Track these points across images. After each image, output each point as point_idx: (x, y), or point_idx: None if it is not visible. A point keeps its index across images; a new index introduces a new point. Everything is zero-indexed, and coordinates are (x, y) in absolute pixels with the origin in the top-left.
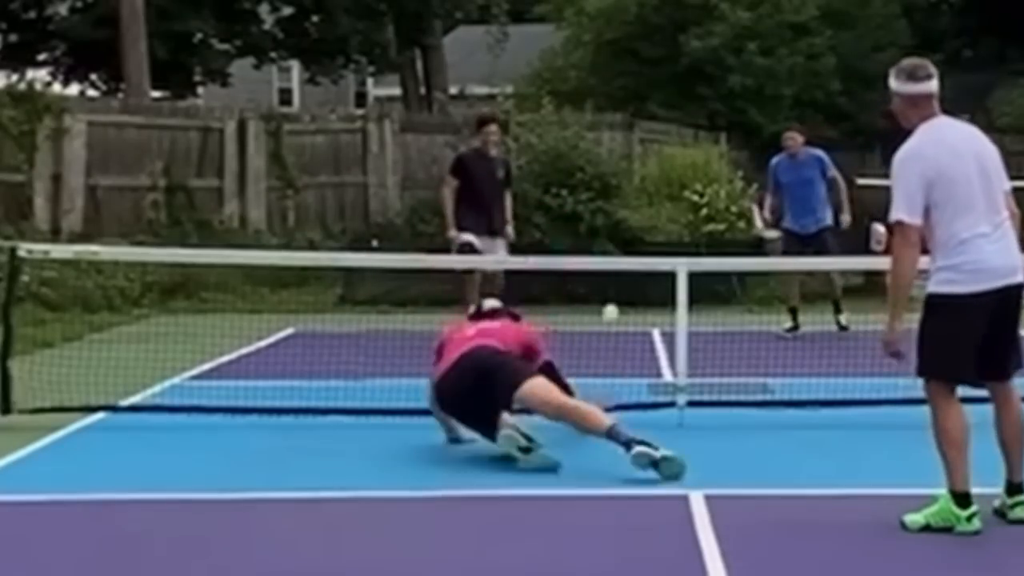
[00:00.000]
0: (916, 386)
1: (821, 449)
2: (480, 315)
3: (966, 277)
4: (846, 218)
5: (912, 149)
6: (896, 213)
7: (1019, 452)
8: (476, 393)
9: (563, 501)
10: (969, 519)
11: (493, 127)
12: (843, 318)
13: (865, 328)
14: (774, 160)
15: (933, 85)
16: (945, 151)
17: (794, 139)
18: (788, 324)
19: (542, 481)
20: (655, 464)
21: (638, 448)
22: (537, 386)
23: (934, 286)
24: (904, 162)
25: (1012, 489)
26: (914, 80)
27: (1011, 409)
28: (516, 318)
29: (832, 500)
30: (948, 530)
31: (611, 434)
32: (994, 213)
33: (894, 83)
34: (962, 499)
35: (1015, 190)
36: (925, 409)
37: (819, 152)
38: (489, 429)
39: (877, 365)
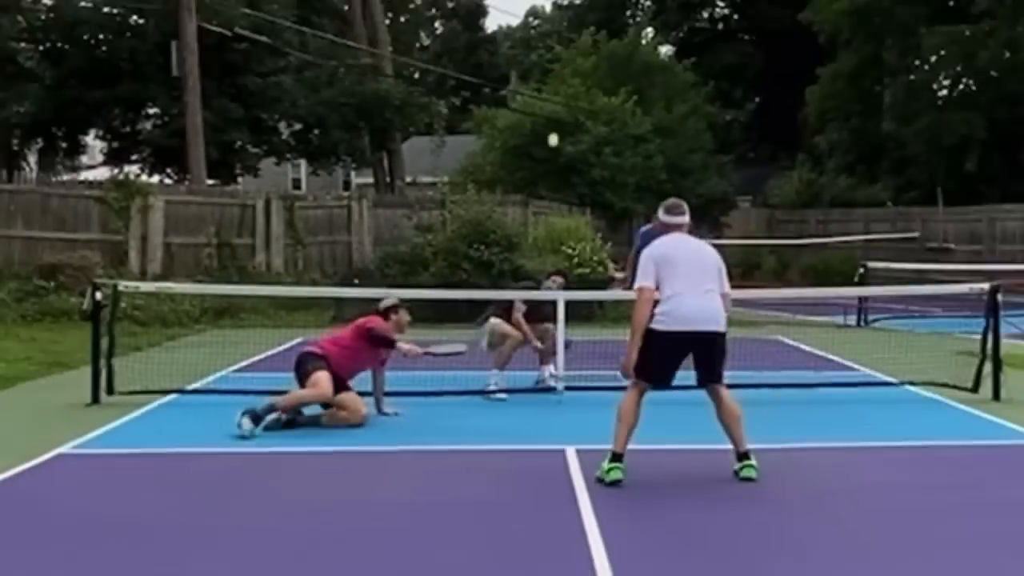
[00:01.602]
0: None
1: (655, 419)
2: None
3: (667, 319)
4: None
5: (653, 246)
6: (636, 284)
7: (738, 431)
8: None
9: (467, 453)
10: (611, 472)
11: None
12: None
13: None
14: (642, 229)
15: (682, 219)
16: (674, 247)
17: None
18: None
19: (458, 439)
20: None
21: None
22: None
23: (651, 324)
24: (646, 254)
25: (740, 457)
26: (669, 214)
27: (723, 402)
28: (387, 316)
29: (659, 453)
30: (600, 480)
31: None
32: (700, 286)
33: (660, 212)
34: (615, 458)
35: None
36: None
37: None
38: None
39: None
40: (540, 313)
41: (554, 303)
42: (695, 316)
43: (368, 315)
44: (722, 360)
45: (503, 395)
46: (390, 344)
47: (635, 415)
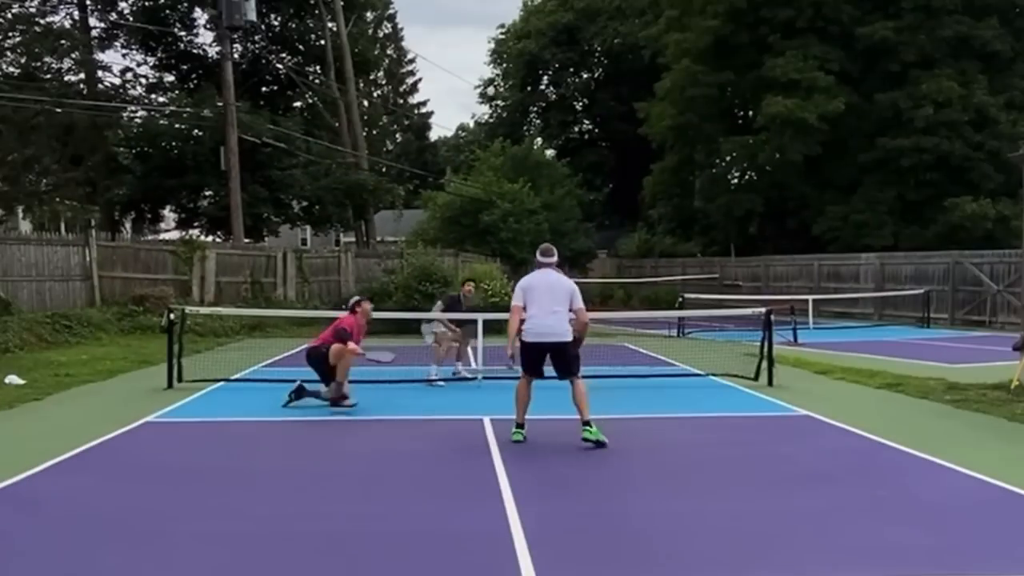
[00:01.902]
0: (587, 371)
1: (545, 399)
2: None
3: (527, 334)
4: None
5: (524, 279)
6: (513, 302)
7: (584, 407)
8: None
9: (413, 422)
10: (515, 435)
11: (469, 286)
12: None
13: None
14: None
15: (550, 260)
16: (539, 280)
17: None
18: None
19: (407, 412)
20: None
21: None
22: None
23: (522, 337)
24: (519, 285)
25: (584, 424)
26: (542, 256)
27: (577, 388)
28: (353, 311)
29: (549, 421)
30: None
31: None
32: (549, 308)
33: (538, 255)
34: (519, 426)
35: (628, 283)
36: (591, 381)
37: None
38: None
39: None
40: (460, 320)
41: (474, 320)
42: (545, 330)
43: (337, 324)
44: (574, 360)
45: (441, 383)
46: (344, 341)
47: (527, 395)
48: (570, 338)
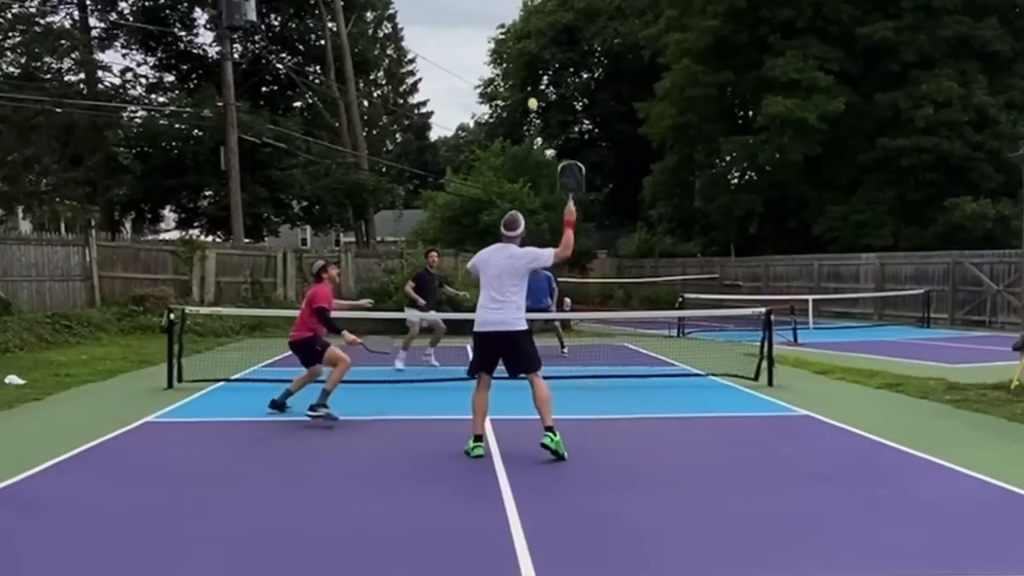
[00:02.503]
0: (577, 371)
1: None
2: (315, 276)
3: (480, 323)
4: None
5: (478, 254)
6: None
7: (546, 411)
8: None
9: (415, 422)
10: (475, 448)
11: (433, 255)
12: (565, 350)
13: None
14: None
15: (513, 232)
16: (489, 255)
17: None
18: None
19: (410, 411)
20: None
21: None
22: (329, 359)
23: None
24: (473, 259)
25: (546, 429)
26: (506, 228)
27: (537, 389)
28: (319, 278)
29: (555, 422)
30: (467, 453)
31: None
32: (502, 292)
33: (501, 226)
34: (477, 439)
35: (628, 284)
36: (583, 380)
37: (549, 274)
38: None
39: (565, 362)
40: (429, 299)
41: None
42: (490, 319)
43: (313, 291)
44: (526, 355)
45: (401, 365)
46: (336, 330)
47: (484, 401)
48: (522, 328)
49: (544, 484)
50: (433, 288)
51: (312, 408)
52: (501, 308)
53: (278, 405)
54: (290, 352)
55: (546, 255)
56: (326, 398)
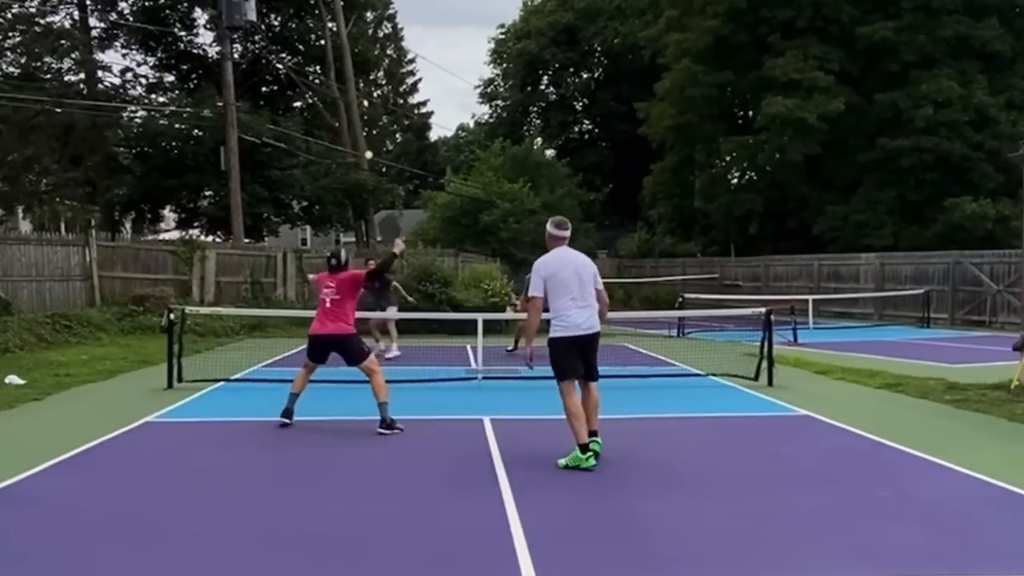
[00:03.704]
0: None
1: (547, 399)
2: (331, 266)
3: (566, 328)
4: None
5: (542, 260)
6: (531, 292)
7: (594, 417)
8: (333, 352)
9: (417, 421)
10: (588, 459)
11: (371, 262)
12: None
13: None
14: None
15: (566, 233)
16: (559, 263)
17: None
18: (511, 346)
19: (408, 411)
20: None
21: (380, 429)
22: (368, 363)
23: (551, 333)
24: (536, 268)
25: (591, 434)
26: (557, 228)
27: (595, 392)
28: (345, 267)
29: (551, 422)
30: (578, 467)
31: (381, 408)
32: (583, 296)
33: (549, 226)
34: (583, 448)
35: (628, 283)
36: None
37: None
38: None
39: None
40: (383, 294)
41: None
42: (585, 322)
43: (342, 276)
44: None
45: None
46: (389, 263)
47: (580, 408)
48: (599, 331)
49: (544, 484)
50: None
51: (386, 426)
52: (587, 309)
53: (288, 414)
54: (289, 352)
55: (600, 282)
56: (387, 409)
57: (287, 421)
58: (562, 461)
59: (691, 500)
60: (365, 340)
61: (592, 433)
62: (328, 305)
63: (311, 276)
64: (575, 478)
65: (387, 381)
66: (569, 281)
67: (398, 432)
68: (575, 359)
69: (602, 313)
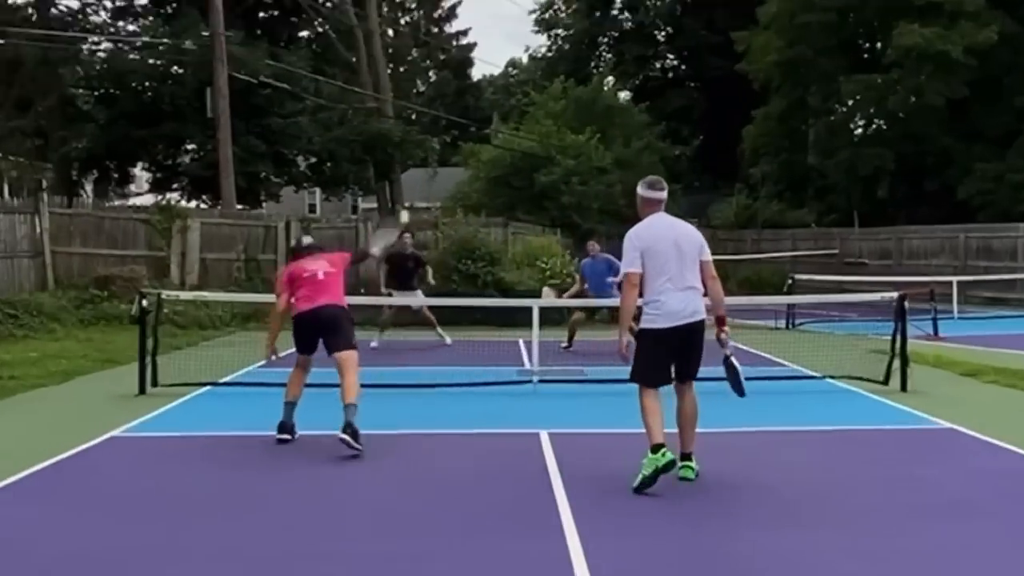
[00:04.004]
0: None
1: (614, 406)
2: (304, 249)
3: (658, 317)
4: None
5: (636, 229)
6: (624, 268)
7: (690, 432)
8: (321, 335)
9: (462, 436)
10: (663, 456)
11: (406, 236)
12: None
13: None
14: (583, 261)
15: (661, 195)
16: (657, 234)
17: (593, 247)
18: (565, 343)
19: (445, 423)
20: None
21: (344, 435)
22: (350, 356)
23: (641, 323)
24: (629, 238)
25: (684, 457)
26: (651, 189)
27: (691, 400)
28: (322, 250)
29: (621, 436)
30: (657, 475)
31: (347, 409)
32: (683, 275)
33: (639, 188)
34: (656, 448)
35: (722, 262)
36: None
37: (609, 256)
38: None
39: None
40: (401, 279)
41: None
42: (682, 310)
43: (323, 254)
44: (700, 357)
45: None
46: (361, 259)
47: (658, 409)
48: (705, 317)
49: (617, 515)
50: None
51: (349, 433)
52: (688, 292)
53: (288, 429)
54: (294, 349)
55: (709, 255)
56: (356, 413)
57: (287, 437)
58: (637, 481)
59: (803, 535)
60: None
61: (686, 456)
62: (321, 277)
63: (279, 292)
64: (656, 507)
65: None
66: (667, 256)
67: (357, 452)
68: (664, 360)
69: (715, 296)
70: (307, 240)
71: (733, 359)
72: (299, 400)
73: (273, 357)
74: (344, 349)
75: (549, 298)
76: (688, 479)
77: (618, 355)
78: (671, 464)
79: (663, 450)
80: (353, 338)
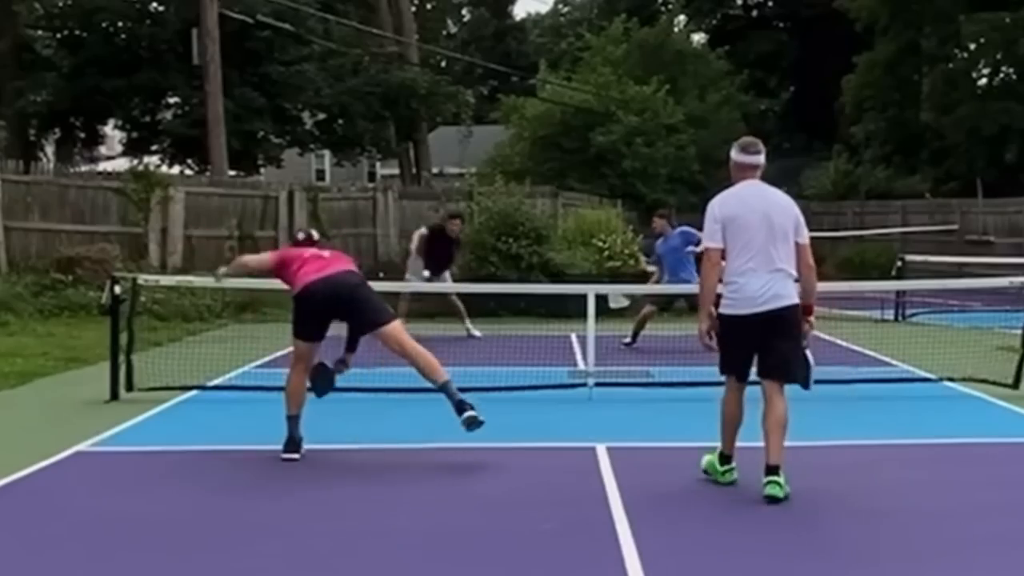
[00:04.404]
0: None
1: (685, 415)
2: (304, 242)
3: (735, 302)
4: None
5: (720, 198)
6: (704, 242)
7: (778, 441)
8: (339, 313)
9: (502, 451)
10: (725, 474)
11: (457, 221)
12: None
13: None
14: (656, 244)
15: (757, 159)
16: (737, 203)
17: (657, 223)
18: (629, 338)
19: (482, 435)
20: (475, 422)
21: (468, 413)
22: (395, 328)
23: (720, 308)
24: (711, 208)
25: (769, 470)
26: (744, 152)
27: (779, 404)
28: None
29: (693, 450)
30: (713, 480)
31: (445, 388)
32: (770, 255)
33: (732, 151)
34: (724, 459)
35: (818, 239)
36: (754, 389)
37: (683, 228)
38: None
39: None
40: (440, 264)
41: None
42: (763, 294)
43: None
44: (796, 351)
45: None
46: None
47: (738, 411)
48: (796, 302)
49: (685, 545)
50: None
51: (469, 413)
52: (774, 275)
53: (296, 446)
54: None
55: (806, 235)
56: (455, 389)
57: (294, 456)
58: (707, 457)
59: (909, 571)
60: None
61: (771, 469)
62: (327, 255)
63: (268, 256)
64: (733, 540)
65: (425, 390)
66: (754, 231)
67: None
68: (742, 351)
69: (808, 287)
70: (308, 234)
71: (808, 351)
72: (302, 408)
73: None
74: (385, 321)
75: (619, 303)
76: (775, 497)
77: (701, 344)
78: (732, 483)
79: (731, 468)
80: (384, 303)
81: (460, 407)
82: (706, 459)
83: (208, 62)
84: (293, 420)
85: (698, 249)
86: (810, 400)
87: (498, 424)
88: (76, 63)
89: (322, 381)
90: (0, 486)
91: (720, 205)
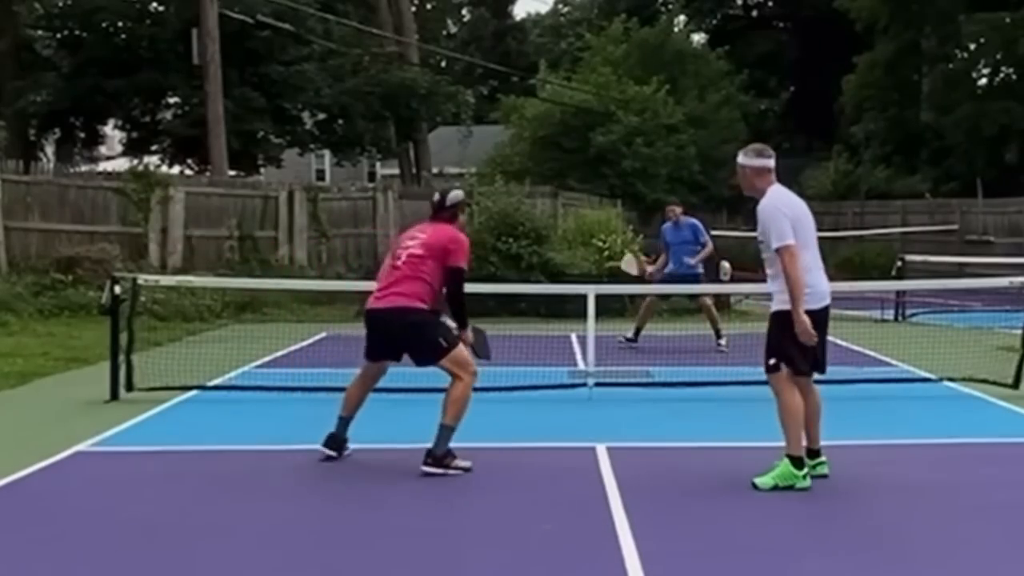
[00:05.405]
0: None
1: (686, 415)
2: (438, 206)
3: (811, 297)
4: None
5: (776, 199)
6: (781, 241)
7: (817, 427)
8: (392, 347)
9: (502, 451)
10: (804, 477)
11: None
12: (722, 342)
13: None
14: (663, 226)
15: (772, 163)
16: (796, 204)
17: (673, 211)
18: (630, 334)
19: (481, 435)
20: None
21: (425, 467)
22: (447, 362)
23: (781, 305)
24: (776, 208)
25: (812, 454)
26: (761, 157)
27: (813, 396)
28: (451, 220)
29: (693, 451)
30: (789, 487)
31: (441, 428)
32: (819, 252)
33: (743, 159)
34: (798, 461)
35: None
36: (754, 389)
37: (694, 221)
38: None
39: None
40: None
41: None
42: (824, 290)
43: (438, 225)
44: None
45: None
46: (463, 323)
47: (801, 408)
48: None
49: (688, 548)
50: None
51: (437, 461)
52: (823, 272)
53: (337, 442)
54: (298, 345)
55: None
56: (449, 439)
57: (332, 453)
58: (763, 479)
59: (911, 572)
60: None
61: (814, 452)
62: (400, 263)
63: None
64: (737, 542)
65: (444, 389)
66: (810, 229)
67: (456, 473)
68: (819, 342)
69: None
70: (453, 196)
71: None
72: (354, 416)
73: None
74: (436, 357)
75: (631, 268)
76: (826, 475)
77: (804, 336)
78: (807, 488)
79: (807, 471)
80: (441, 340)
81: (430, 451)
82: (771, 476)
83: (208, 62)
84: (341, 420)
85: (702, 255)
86: None
87: (498, 424)
88: (76, 63)
89: (482, 346)
90: (0, 486)
91: (785, 205)
